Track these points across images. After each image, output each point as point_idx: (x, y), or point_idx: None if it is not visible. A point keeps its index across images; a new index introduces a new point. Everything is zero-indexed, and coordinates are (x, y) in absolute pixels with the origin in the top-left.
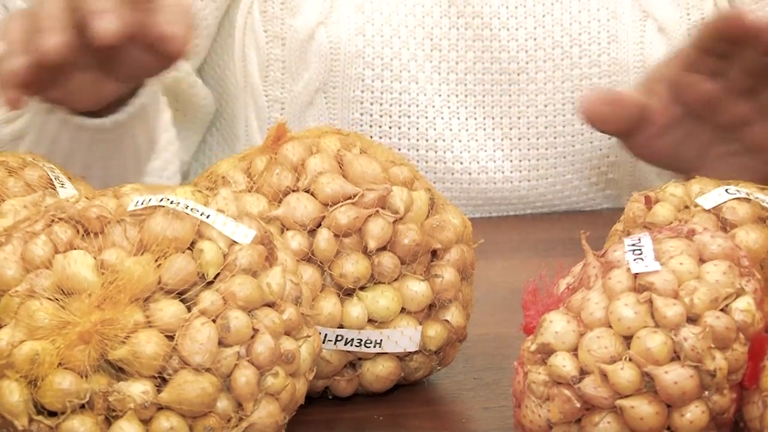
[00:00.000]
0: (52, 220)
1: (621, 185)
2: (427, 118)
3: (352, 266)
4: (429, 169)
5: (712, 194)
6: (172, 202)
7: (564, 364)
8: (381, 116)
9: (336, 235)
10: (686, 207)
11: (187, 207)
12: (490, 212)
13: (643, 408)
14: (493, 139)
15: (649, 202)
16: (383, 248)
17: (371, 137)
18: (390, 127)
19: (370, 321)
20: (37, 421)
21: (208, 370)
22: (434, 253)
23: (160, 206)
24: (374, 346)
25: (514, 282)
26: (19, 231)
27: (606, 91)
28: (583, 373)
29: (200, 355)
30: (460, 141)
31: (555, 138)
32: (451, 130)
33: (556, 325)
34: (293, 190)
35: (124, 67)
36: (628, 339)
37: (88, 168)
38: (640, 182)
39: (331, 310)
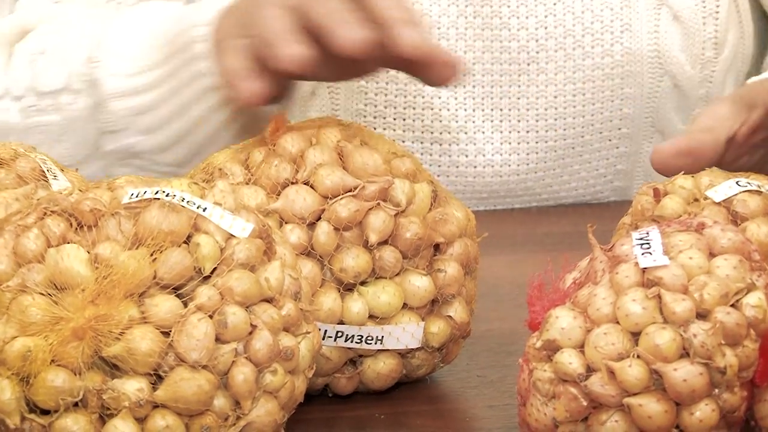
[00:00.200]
0: (45, 213)
1: (630, 176)
2: (432, 109)
3: (353, 260)
4: (433, 162)
5: (723, 186)
6: (167, 195)
7: (570, 361)
8: (385, 107)
9: (336, 229)
10: (696, 200)
11: (183, 200)
12: (495, 205)
13: (651, 406)
14: (501, 132)
15: (658, 195)
16: (384, 242)
17: (375, 129)
18: (394, 119)
19: (371, 317)
20: (30, 419)
21: (204, 367)
22: (437, 247)
23: (155, 199)
24: (375, 343)
25: (519, 277)
26: (11, 224)
27: (680, 142)
28: (590, 370)
29: (197, 352)
30: (465, 133)
31: (565, 130)
32: (456, 122)
33: (562, 321)
34: (292, 183)
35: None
36: (636, 335)
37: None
38: (649, 173)
39: (331, 306)
